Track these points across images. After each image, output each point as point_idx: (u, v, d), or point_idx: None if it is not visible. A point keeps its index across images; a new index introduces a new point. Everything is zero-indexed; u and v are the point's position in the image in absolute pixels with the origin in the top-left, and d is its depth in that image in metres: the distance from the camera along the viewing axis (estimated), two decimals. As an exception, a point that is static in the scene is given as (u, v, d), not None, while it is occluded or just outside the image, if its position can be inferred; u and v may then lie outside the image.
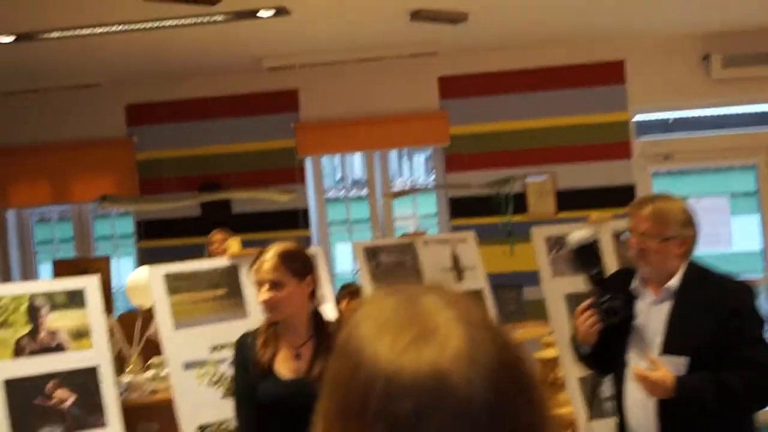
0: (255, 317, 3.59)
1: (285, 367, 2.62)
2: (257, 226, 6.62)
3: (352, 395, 0.75)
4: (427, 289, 0.84)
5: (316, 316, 2.69)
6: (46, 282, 3.47)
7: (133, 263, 7.12)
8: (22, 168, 7.03)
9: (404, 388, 0.72)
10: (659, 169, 7.08)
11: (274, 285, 2.59)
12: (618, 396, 2.80)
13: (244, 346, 2.69)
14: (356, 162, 10.07)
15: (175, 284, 3.54)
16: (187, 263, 3.60)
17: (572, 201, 6.71)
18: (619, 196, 6.19)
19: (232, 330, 3.58)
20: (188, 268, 3.59)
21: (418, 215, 7.45)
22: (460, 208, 6.82)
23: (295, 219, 6.91)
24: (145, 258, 6.59)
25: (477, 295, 4.39)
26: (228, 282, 3.65)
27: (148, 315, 5.24)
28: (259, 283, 2.62)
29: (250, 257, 3.71)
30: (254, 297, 3.64)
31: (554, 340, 5.04)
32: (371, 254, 4.10)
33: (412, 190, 6.40)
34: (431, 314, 0.78)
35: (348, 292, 4.30)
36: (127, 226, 7.54)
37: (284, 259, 2.61)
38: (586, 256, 2.90)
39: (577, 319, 2.79)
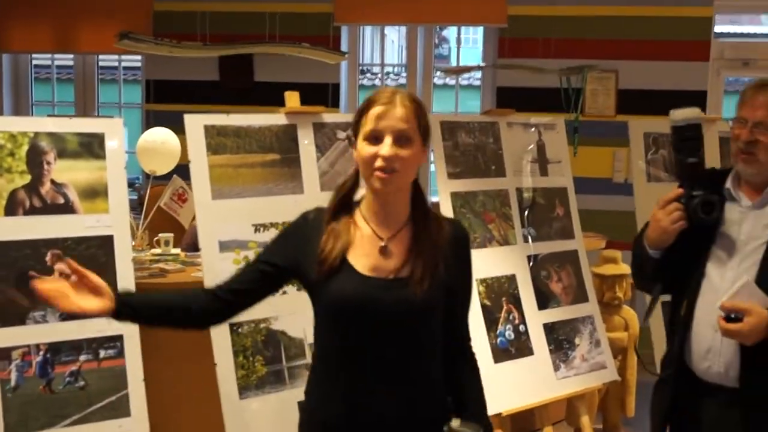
0: (312, 194, 2.89)
1: (362, 262, 1.88)
2: (280, 98, 5.88)
3: None
4: None
5: (417, 198, 1.94)
6: (55, 120, 2.71)
7: (138, 131, 6.35)
8: (23, 7, 6.16)
9: None
10: (736, 76, 6.33)
11: (400, 140, 1.83)
12: (682, 317, 2.29)
13: (309, 221, 1.94)
14: (393, 48, 9.22)
15: (218, 141, 2.79)
16: (234, 116, 2.85)
17: (633, 103, 5.98)
18: (688, 103, 5.48)
19: (282, 207, 2.86)
20: (234, 122, 2.84)
21: (459, 113, 6.70)
22: (509, 101, 6.05)
23: (323, 94, 6.14)
24: (152, 123, 5.82)
25: (561, 193, 3.68)
26: (282, 145, 2.91)
27: (158, 187, 4.54)
28: (380, 133, 1.84)
29: (310, 116, 3.01)
30: (313, 167, 2.96)
31: (617, 255, 4.44)
32: (449, 131, 3.36)
33: (467, 68, 5.58)
34: None
35: None
36: (135, 93, 6.77)
37: (418, 110, 1.87)
38: (689, 139, 2.31)
39: (657, 211, 2.25)
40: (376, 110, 1.83)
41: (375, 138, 1.82)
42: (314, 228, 1.91)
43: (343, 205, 1.93)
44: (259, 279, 1.94)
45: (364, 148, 1.83)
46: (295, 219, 1.98)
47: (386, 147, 1.82)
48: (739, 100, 2.26)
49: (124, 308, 1.84)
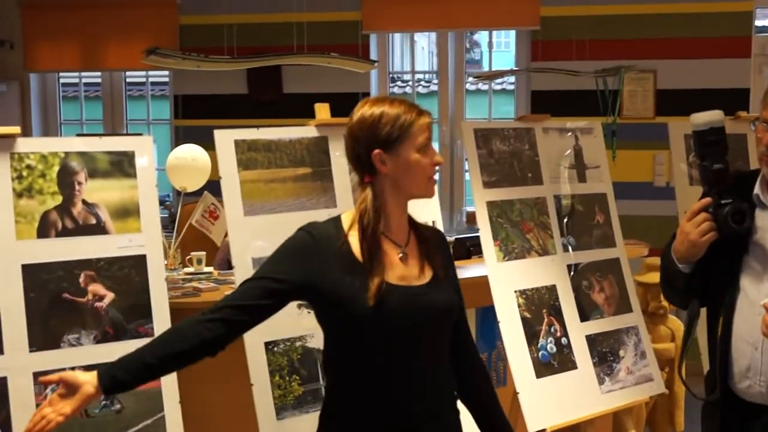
0: (345, 208, 2.82)
1: (389, 273, 1.89)
2: (309, 109, 5.83)
3: None
4: None
5: None
6: (85, 139, 2.68)
7: (167, 146, 6.34)
8: (49, 26, 6.18)
9: None
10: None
11: None
12: (719, 335, 2.18)
13: (316, 240, 1.92)
14: (423, 54, 9.15)
15: (248, 156, 2.74)
16: (264, 130, 2.80)
17: (673, 103, 5.84)
18: (731, 102, 5.34)
19: (315, 222, 2.81)
20: (265, 136, 2.78)
21: (492, 119, 6.60)
22: (544, 106, 5.95)
23: (353, 104, 6.07)
24: (181, 139, 5.82)
25: (600, 199, 3.57)
26: (314, 159, 2.85)
27: (189, 204, 4.51)
28: (429, 141, 1.93)
29: (342, 128, 2.94)
30: (345, 180, 2.89)
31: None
32: (483, 138, 3.28)
33: (500, 73, 5.50)
34: None
35: None
36: (163, 109, 6.77)
37: None
38: (712, 144, 2.19)
39: (685, 223, 2.13)
40: (424, 122, 1.91)
41: (426, 146, 1.90)
42: (325, 249, 1.90)
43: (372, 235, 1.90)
44: (268, 296, 1.89)
45: (420, 158, 1.89)
46: (298, 236, 1.97)
47: (438, 154, 1.93)
48: (762, 100, 2.15)
49: (111, 383, 1.78)
